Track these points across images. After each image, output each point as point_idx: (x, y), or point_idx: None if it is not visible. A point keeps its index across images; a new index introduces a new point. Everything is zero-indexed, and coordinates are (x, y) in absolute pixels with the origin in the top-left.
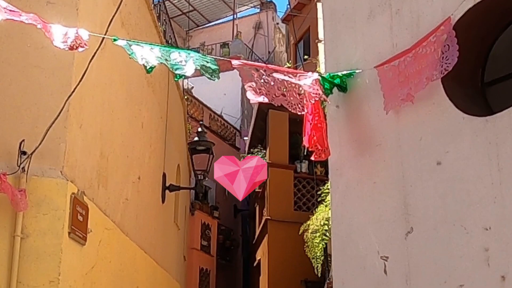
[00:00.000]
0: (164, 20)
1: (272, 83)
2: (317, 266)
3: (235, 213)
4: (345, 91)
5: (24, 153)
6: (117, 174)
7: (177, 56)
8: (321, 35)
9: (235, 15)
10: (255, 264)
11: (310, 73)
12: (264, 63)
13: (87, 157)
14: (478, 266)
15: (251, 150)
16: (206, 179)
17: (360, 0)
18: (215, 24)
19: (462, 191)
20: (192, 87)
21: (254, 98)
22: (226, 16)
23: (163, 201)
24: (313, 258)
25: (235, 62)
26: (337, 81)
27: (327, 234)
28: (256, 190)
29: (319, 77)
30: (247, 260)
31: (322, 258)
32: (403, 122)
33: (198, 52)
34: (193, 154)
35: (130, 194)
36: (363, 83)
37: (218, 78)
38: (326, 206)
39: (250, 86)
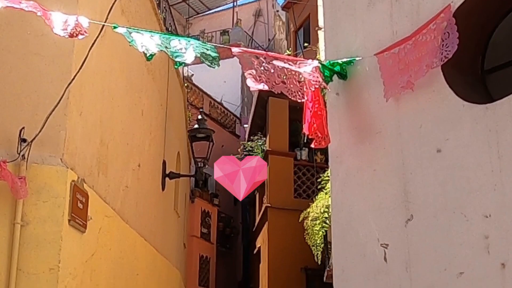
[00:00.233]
0: (164, 7)
1: (272, 71)
2: (317, 254)
3: (235, 200)
4: (345, 78)
5: (24, 140)
6: (117, 161)
7: (177, 43)
8: (321, 23)
9: (235, 3)
10: (255, 251)
11: (310, 60)
12: (264, 50)
13: (87, 145)
14: (478, 254)
15: (251, 137)
16: (206, 166)
17: None
18: (215, 12)
19: (462, 178)
20: (192, 75)
21: (254, 86)
22: (226, 4)
23: (163, 189)
24: (313, 246)
25: (235, 50)
26: (337, 68)
27: (327, 221)
28: None
29: (319, 65)
30: (247, 248)
31: (322, 245)
32: (403, 109)
33: (198, 39)
34: (193, 141)
35: (130, 182)
36: (363, 70)
37: (218, 65)
38: (326, 193)
39: (250, 74)
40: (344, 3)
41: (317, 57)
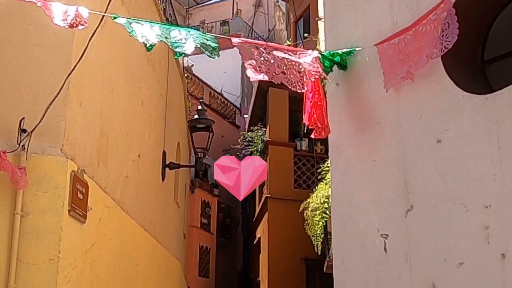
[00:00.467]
0: None
1: (272, 61)
2: (317, 244)
3: None
4: (345, 69)
5: (24, 131)
6: (117, 152)
7: (177, 34)
8: (321, 13)
9: None
10: (255, 242)
11: (310, 51)
12: (264, 41)
13: (87, 135)
14: (478, 244)
15: (251, 128)
16: (206, 157)
17: None
18: (215, 2)
19: (462, 169)
20: (192, 65)
21: (254, 76)
22: None
23: (163, 179)
24: (313, 236)
25: (235, 40)
26: (337, 59)
27: (327, 212)
28: None
29: (319, 55)
30: (247, 238)
31: (322, 236)
32: (403, 100)
33: (198, 30)
34: (193, 132)
35: (130, 172)
36: (363, 61)
37: (218, 56)
38: (326, 184)
39: (250, 64)
40: None
41: (317, 47)
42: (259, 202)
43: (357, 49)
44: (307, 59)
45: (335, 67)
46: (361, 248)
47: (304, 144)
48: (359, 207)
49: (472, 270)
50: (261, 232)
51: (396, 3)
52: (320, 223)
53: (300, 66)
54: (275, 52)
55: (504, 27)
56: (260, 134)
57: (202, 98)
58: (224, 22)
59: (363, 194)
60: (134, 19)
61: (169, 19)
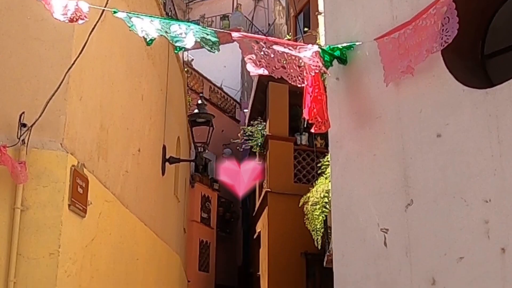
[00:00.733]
0: None
1: (272, 56)
2: (317, 239)
3: None
4: (345, 63)
5: (24, 125)
6: (117, 146)
7: (177, 28)
8: (321, 7)
9: None
10: (255, 236)
11: (310, 45)
12: (264, 35)
13: (87, 130)
14: (478, 239)
15: (251, 122)
16: (206, 151)
17: None
18: None
19: (462, 163)
20: (192, 60)
21: (254, 71)
22: None
23: (163, 174)
24: (313, 231)
25: (235, 35)
26: (337, 53)
27: (327, 206)
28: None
29: (319, 50)
30: (247, 233)
31: (322, 230)
32: (403, 94)
33: (198, 24)
34: (193, 126)
35: (130, 167)
36: (363, 55)
37: (218, 50)
38: (326, 178)
39: (250, 59)
40: None
41: (317, 42)
42: (259, 196)
43: (357, 43)
44: (307, 53)
45: (335, 62)
46: (361, 243)
47: (304, 139)
48: (359, 202)
49: (472, 265)
50: (261, 226)
51: None
52: (320, 217)
53: (300, 61)
54: (275, 47)
55: (504, 21)
56: (260, 128)
57: (202, 93)
58: (224, 17)
59: (363, 189)
60: (134, 14)
61: (169, 14)
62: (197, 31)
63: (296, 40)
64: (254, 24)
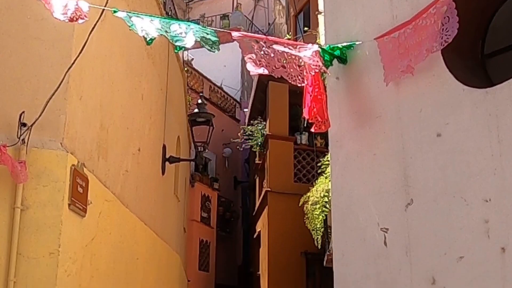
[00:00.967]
0: None
1: (272, 55)
2: (317, 238)
3: (235, 184)
4: (345, 62)
5: (24, 124)
6: (117, 145)
7: (177, 28)
8: (321, 7)
9: None
10: (255, 235)
11: (310, 44)
12: (264, 35)
13: (87, 129)
14: (478, 238)
15: (251, 121)
16: (206, 150)
17: None
18: None
19: (462, 162)
20: (192, 59)
21: (254, 70)
22: None
23: (163, 173)
24: (313, 230)
25: (235, 34)
26: (337, 52)
27: (327, 205)
28: (256, 161)
29: (319, 49)
30: (247, 232)
31: (322, 229)
32: (403, 93)
33: (198, 24)
34: (193, 125)
35: (130, 166)
36: (363, 55)
37: (218, 49)
38: (326, 177)
39: (250, 58)
40: None
41: (317, 41)
42: (259, 196)
43: (357, 43)
44: (307, 53)
45: (335, 61)
46: (361, 242)
47: (304, 138)
48: (359, 201)
49: (472, 264)
50: (261, 226)
51: None
52: (320, 217)
53: (300, 60)
54: (275, 46)
55: (504, 21)
56: (260, 128)
57: (202, 92)
58: (224, 16)
59: (363, 188)
60: (134, 13)
61: (169, 13)
62: (197, 31)
63: (296, 40)
64: (254, 23)
